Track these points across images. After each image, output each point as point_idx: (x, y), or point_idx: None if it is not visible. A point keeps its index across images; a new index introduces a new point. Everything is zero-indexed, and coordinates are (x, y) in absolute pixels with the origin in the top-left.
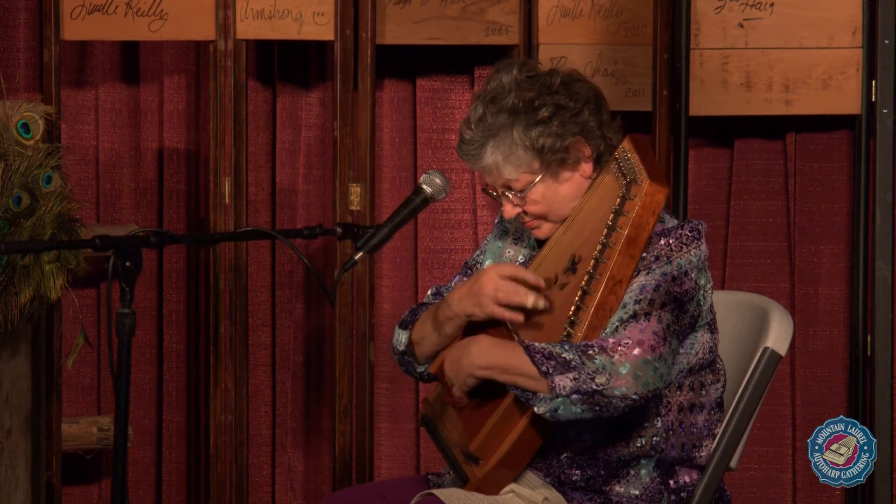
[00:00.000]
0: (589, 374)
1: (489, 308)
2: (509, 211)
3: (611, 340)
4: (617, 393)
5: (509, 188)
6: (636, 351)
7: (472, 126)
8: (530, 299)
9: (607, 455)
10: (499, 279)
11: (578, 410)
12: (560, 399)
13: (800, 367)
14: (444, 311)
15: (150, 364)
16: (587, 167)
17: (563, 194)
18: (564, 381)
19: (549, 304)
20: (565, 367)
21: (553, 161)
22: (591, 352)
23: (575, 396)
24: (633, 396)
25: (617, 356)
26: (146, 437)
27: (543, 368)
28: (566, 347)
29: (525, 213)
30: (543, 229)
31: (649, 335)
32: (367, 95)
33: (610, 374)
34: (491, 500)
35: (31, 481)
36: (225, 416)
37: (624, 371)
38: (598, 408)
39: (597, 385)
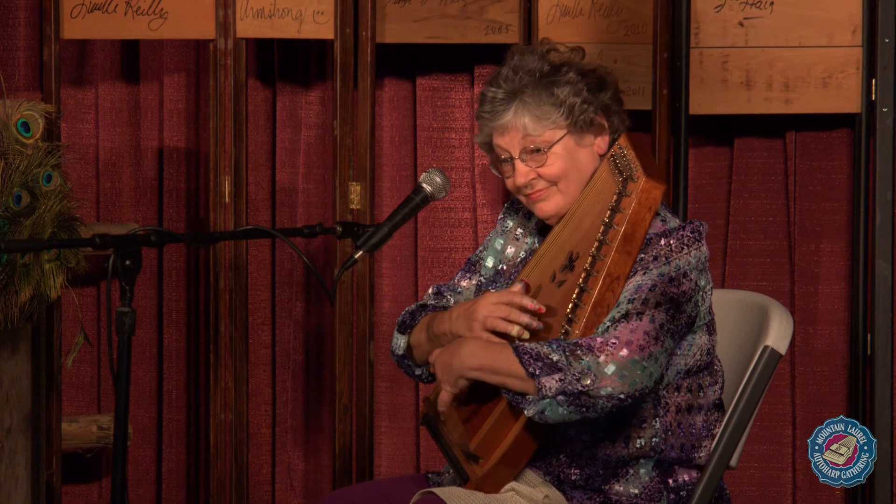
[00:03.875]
0: (575, 375)
1: (477, 333)
2: (522, 175)
3: (599, 340)
4: (603, 393)
5: (528, 149)
6: (623, 351)
7: (500, 83)
8: (514, 329)
9: (606, 455)
10: (492, 306)
11: (565, 412)
12: (546, 400)
13: (800, 365)
14: (440, 326)
15: (150, 363)
16: (603, 142)
17: (582, 159)
18: (551, 383)
19: (542, 325)
20: (552, 368)
21: (580, 120)
22: (578, 352)
23: (561, 398)
24: (620, 396)
25: (603, 356)
26: (146, 436)
27: (531, 370)
28: (554, 347)
29: (540, 176)
30: (551, 203)
31: (639, 335)
32: (367, 94)
33: (595, 375)
34: (491, 498)
35: (30, 480)
36: (225, 414)
37: (610, 371)
38: (584, 409)
39: (582, 386)
